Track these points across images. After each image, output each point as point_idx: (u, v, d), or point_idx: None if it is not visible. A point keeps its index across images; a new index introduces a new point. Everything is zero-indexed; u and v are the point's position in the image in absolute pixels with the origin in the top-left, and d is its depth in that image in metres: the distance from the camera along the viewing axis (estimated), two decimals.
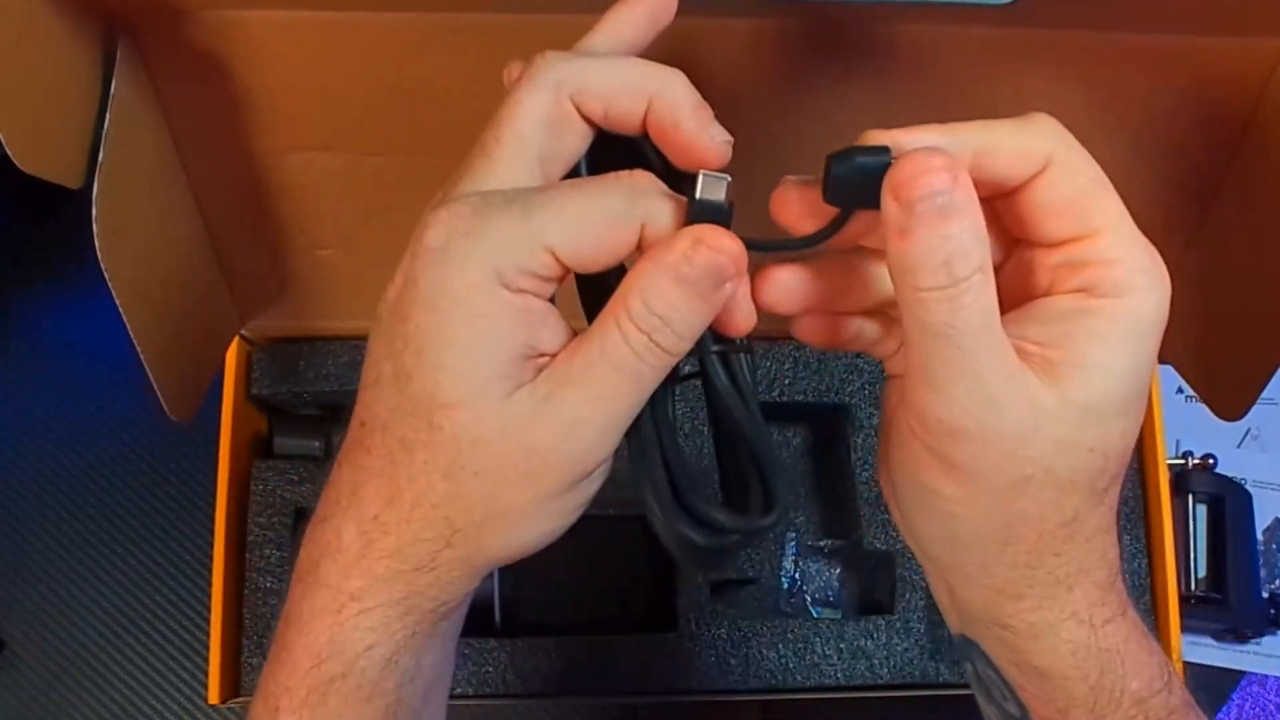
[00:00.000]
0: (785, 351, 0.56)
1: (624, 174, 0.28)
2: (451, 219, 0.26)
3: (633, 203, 0.27)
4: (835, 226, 0.27)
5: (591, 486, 0.28)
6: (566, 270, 0.27)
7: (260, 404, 0.57)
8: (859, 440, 0.56)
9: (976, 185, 0.25)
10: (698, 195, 0.27)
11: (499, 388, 0.26)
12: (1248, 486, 0.66)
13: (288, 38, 0.38)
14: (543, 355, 0.27)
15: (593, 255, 0.26)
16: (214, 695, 0.52)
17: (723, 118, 0.29)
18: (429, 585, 0.28)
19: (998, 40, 0.37)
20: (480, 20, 0.32)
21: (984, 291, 0.25)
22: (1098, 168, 0.27)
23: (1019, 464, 0.27)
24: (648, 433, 0.29)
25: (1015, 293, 0.28)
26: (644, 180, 0.28)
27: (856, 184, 0.26)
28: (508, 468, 0.27)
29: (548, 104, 0.27)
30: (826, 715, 0.61)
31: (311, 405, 0.57)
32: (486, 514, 0.27)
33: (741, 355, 0.30)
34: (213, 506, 0.53)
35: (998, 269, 0.28)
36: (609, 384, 0.27)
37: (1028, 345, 0.27)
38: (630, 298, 0.26)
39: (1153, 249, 0.27)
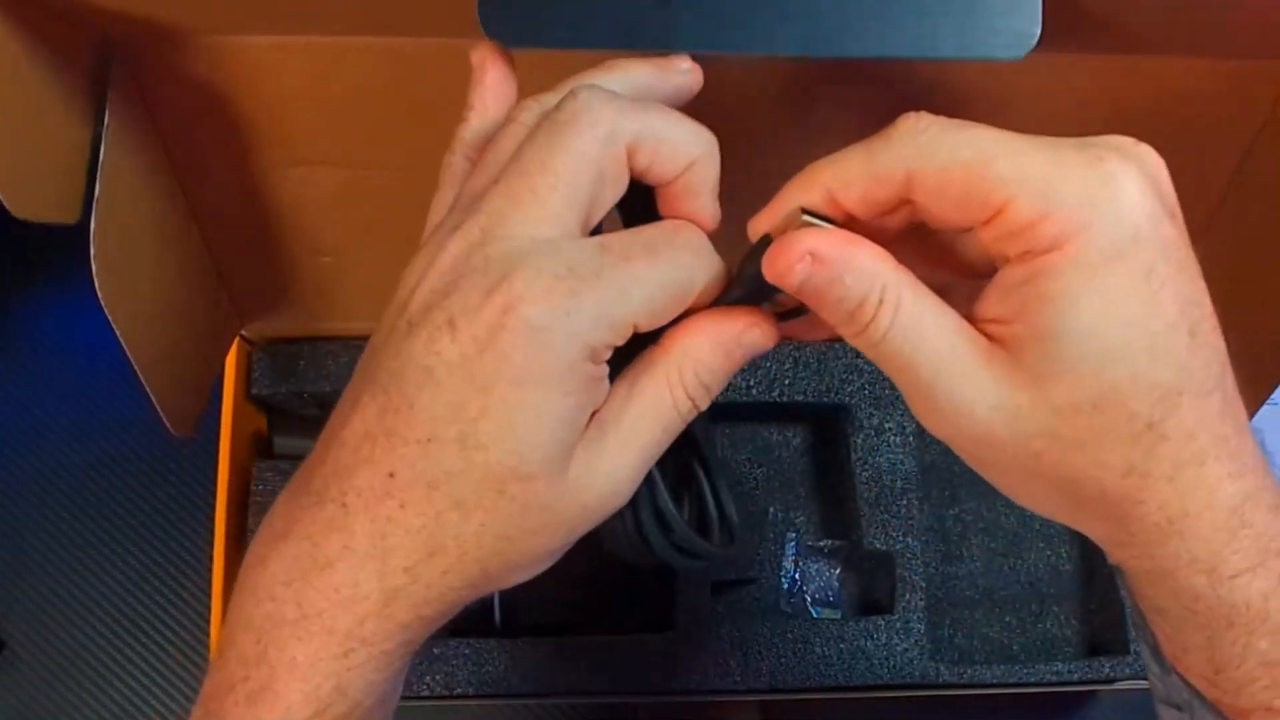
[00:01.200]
0: (785, 351, 0.56)
1: (679, 233, 0.28)
2: (550, 295, 0.25)
3: (698, 269, 0.28)
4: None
5: None
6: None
7: (260, 404, 0.57)
8: (859, 440, 0.56)
9: (866, 206, 0.27)
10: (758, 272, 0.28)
11: (568, 456, 0.27)
12: None
13: (286, 61, 0.38)
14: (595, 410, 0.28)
15: (661, 321, 0.28)
16: None
17: (727, 145, 0.29)
18: (434, 623, 0.28)
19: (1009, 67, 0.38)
20: (471, 46, 0.32)
21: (900, 312, 0.26)
22: (972, 140, 0.25)
23: (1019, 443, 0.26)
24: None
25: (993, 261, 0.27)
26: (698, 239, 0.29)
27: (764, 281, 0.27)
28: (559, 524, 0.27)
29: (605, 149, 0.27)
30: (826, 715, 0.61)
31: (311, 405, 0.57)
32: (520, 562, 0.28)
33: None
34: (213, 506, 0.53)
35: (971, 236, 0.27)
36: (653, 440, 0.28)
37: (993, 327, 0.26)
38: (685, 369, 0.28)
39: (1087, 159, 0.24)
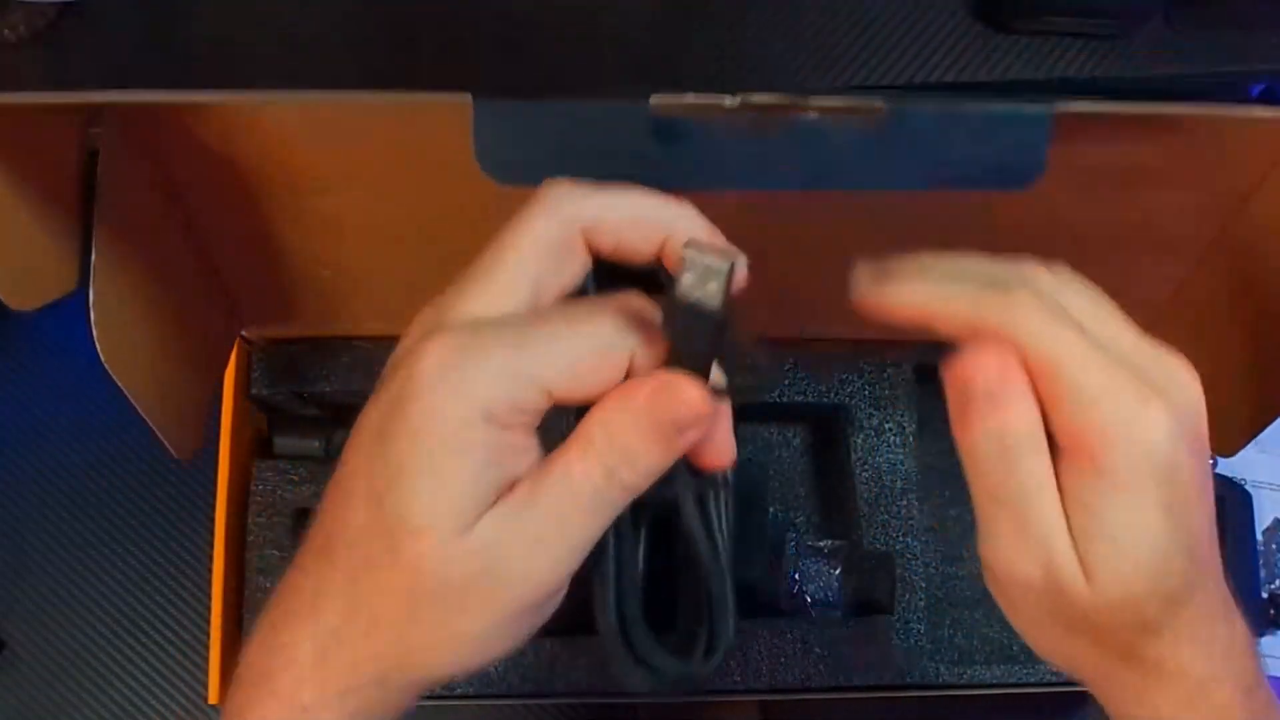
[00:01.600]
0: (785, 352, 0.56)
1: (614, 301, 0.28)
2: (443, 350, 0.26)
3: (623, 334, 0.27)
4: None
5: (547, 610, 0.28)
6: (558, 402, 0.27)
7: (260, 404, 0.57)
8: (859, 440, 0.56)
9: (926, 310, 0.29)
10: (679, 296, 0.26)
11: (467, 517, 0.26)
12: (1248, 486, 0.66)
13: (284, 111, 0.38)
14: (515, 481, 0.27)
15: (584, 390, 0.27)
16: (214, 695, 0.52)
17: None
18: (378, 703, 0.28)
19: None
20: (460, 100, 0.32)
21: (1033, 462, 0.28)
22: (1054, 338, 0.27)
23: (1056, 615, 0.29)
24: (605, 568, 0.30)
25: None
26: (634, 305, 0.28)
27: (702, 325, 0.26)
28: (467, 593, 0.27)
29: (556, 233, 0.28)
30: (826, 715, 0.61)
31: (311, 405, 0.57)
32: (442, 638, 0.27)
33: (719, 492, 0.31)
34: (213, 506, 0.53)
35: None
36: (568, 510, 0.27)
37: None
38: (595, 434, 0.27)
39: (1137, 395, 0.27)
